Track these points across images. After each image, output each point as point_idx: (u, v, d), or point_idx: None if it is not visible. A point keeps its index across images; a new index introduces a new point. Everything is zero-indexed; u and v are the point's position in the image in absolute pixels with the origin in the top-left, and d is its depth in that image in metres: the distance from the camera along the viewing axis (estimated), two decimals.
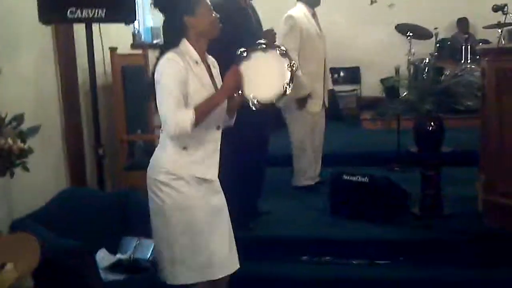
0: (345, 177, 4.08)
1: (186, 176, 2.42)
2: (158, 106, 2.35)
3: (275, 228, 4.00)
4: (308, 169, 4.81)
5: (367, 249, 3.70)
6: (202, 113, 2.33)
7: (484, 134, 3.90)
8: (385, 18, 8.17)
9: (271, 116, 4.02)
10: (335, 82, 8.53)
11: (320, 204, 4.34)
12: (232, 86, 2.36)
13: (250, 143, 3.66)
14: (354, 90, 8.63)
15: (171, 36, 2.44)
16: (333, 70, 8.67)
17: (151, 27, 5.58)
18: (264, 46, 2.40)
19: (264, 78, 2.39)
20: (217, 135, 2.51)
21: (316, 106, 4.71)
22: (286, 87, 2.34)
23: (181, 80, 2.32)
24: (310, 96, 4.60)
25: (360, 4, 8.71)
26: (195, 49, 2.42)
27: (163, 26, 2.49)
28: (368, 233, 3.80)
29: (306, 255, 3.71)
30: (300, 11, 4.68)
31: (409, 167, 5.07)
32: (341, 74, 8.72)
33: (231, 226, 2.62)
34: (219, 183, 2.58)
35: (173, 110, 2.28)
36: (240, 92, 2.37)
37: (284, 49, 2.41)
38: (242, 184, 3.56)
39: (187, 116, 2.28)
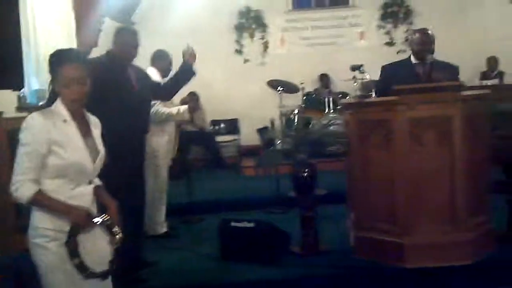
0: (233, 223, 4.06)
1: (53, 232, 2.25)
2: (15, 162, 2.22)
3: (168, 278, 3.84)
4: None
5: None
6: (43, 203, 2.23)
7: (350, 175, 4.08)
8: (258, 74, 8.46)
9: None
10: (216, 133, 8.64)
11: (206, 251, 4.27)
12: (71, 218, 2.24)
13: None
14: (234, 139, 8.75)
15: (49, 96, 2.38)
16: (215, 122, 8.80)
17: (37, 90, 5.27)
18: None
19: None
20: (88, 190, 2.38)
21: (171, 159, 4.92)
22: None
23: (40, 139, 2.22)
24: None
25: (235, 63, 8.97)
26: (68, 108, 2.33)
27: None
28: (257, 274, 3.78)
29: None
30: (155, 75, 4.71)
31: (288, 209, 5.19)
32: (222, 125, 8.83)
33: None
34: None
35: (21, 172, 2.19)
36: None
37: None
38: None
39: (30, 189, 2.18)
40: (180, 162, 5.70)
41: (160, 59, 4.94)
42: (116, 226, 2.32)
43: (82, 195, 2.35)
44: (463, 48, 7.55)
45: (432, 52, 4.07)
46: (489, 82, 8.15)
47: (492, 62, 8.65)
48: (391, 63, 4.37)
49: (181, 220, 5.27)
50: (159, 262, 4.07)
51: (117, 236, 2.29)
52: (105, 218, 2.31)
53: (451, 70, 4.10)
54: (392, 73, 4.16)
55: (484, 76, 8.58)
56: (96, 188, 2.45)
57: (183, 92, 8.00)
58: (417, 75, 4.08)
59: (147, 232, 4.56)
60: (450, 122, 3.59)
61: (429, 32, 4.12)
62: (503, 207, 4.08)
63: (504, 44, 8.84)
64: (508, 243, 3.90)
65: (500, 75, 8.56)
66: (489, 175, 3.90)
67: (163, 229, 4.85)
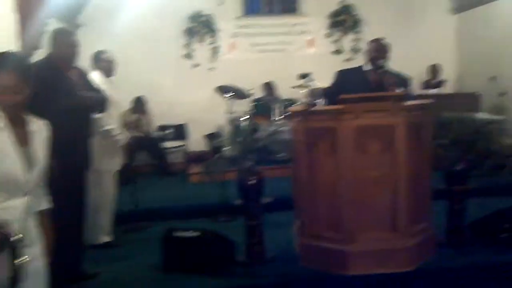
0: (176, 233, 3.95)
1: None
2: None
3: None
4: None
5: None
6: None
7: (297, 183, 4.05)
8: (208, 79, 8.37)
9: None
10: (163, 138, 8.45)
11: (150, 261, 4.11)
12: None
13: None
14: (182, 145, 8.59)
15: None
16: (162, 127, 8.62)
17: None
18: None
19: None
20: (21, 202, 2.20)
21: (118, 165, 4.80)
22: None
23: None
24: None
25: (184, 67, 8.85)
26: (4, 115, 2.17)
27: None
28: (201, 285, 3.68)
29: None
30: (98, 77, 4.60)
31: (234, 217, 5.11)
32: (169, 130, 8.63)
33: None
34: (36, 248, 2.28)
35: None
36: None
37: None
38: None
39: None
40: (124, 168, 5.53)
41: (101, 60, 4.79)
42: (22, 255, 2.08)
43: (15, 207, 2.18)
44: (407, 57, 7.68)
45: (387, 60, 4.18)
46: (431, 91, 8.35)
47: (434, 70, 8.84)
48: (345, 69, 4.44)
49: (125, 229, 5.09)
50: (100, 273, 3.90)
51: (16, 263, 2.06)
52: (18, 239, 2.09)
53: (403, 80, 4.18)
54: (346, 79, 4.24)
55: (427, 85, 8.76)
56: (40, 213, 2.33)
57: (130, 97, 7.89)
58: (369, 82, 4.14)
59: (89, 241, 4.38)
60: (394, 130, 3.62)
61: (384, 41, 4.25)
62: (443, 213, 4.15)
63: (446, 52, 9.15)
64: (448, 249, 4.00)
65: (442, 83, 8.78)
66: (431, 183, 3.96)
67: (106, 238, 4.67)
